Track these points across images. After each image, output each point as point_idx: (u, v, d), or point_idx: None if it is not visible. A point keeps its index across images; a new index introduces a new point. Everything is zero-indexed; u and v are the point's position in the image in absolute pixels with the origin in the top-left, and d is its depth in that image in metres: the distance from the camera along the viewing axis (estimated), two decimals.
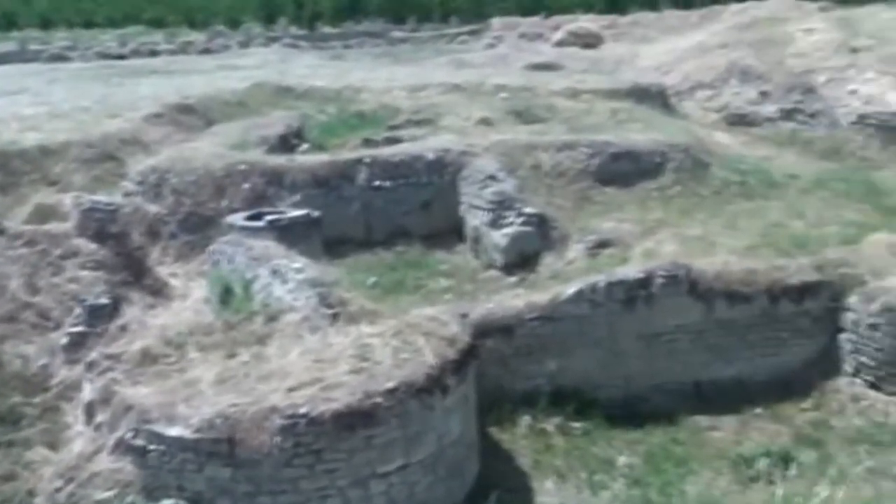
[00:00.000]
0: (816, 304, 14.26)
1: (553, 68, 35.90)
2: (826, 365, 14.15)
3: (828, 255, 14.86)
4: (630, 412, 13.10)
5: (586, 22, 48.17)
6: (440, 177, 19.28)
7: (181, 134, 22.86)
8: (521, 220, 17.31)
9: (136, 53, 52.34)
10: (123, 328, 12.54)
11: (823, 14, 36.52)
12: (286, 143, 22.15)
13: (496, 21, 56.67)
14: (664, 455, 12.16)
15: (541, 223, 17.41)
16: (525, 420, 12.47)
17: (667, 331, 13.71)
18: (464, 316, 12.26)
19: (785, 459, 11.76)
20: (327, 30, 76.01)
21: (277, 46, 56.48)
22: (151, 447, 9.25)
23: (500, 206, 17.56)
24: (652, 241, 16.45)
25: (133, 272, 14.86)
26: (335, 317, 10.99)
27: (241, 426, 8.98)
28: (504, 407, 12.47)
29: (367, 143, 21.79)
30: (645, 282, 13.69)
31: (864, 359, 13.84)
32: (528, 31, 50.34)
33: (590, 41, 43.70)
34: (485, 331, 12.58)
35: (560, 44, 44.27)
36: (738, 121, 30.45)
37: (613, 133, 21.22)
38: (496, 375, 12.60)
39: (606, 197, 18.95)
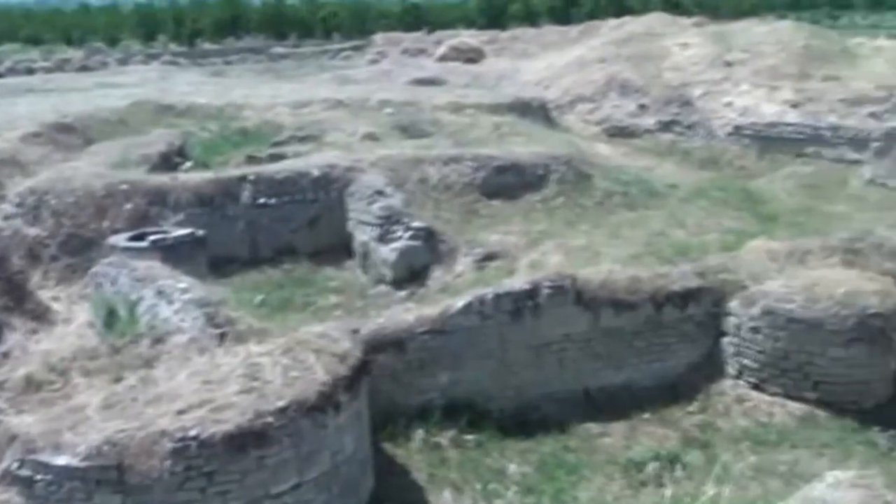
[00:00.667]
0: (699, 309, 14.60)
1: (436, 83, 36.20)
2: (710, 368, 14.50)
3: (709, 262, 15.24)
4: (522, 422, 13.20)
5: (468, 37, 48.69)
6: (326, 193, 19.22)
7: (60, 153, 22.30)
8: (409, 234, 17.36)
9: (11, 72, 50.98)
10: (5, 355, 12.14)
11: (698, 29, 37.64)
12: (168, 161, 21.81)
13: (379, 37, 56.84)
14: (556, 463, 12.28)
15: (429, 237, 17.49)
16: (419, 434, 12.45)
17: (555, 340, 13.86)
18: (354, 332, 12.18)
19: (673, 462, 12.00)
20: (207, 46, 75.29)
21: (157, 63, 55.65)
22: (38, 477, 8.94)
23: (388, 221, 17.59)
24: (538, 252, 16.66)
25: (14, 297, 14.37)
26: (223, 337, 10.83)
27: (129, 452, 8.76)
28: (398, 422, 12.43)
29: (251, 160, 21.60)
30: (532, 293, 13.82)
31: (746, 361, 14.24)
32: (410, 46, 50.61)
33: (472, 56, 44.17)
34: (376, 346, 12.52)
35: (443, 59, 44.66)
36: (619, 133, 31.18)
37: (497, 147, 21.49)
38: (389, 390, 12.56)
39: (492, 210, 19.15)
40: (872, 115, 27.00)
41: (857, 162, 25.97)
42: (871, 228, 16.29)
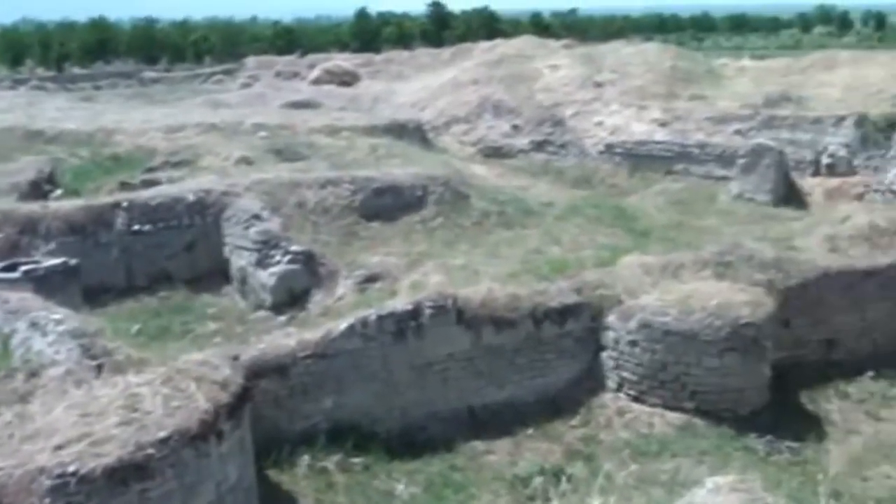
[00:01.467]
0: (578, 324, 14.87)
1: (311, 106, 36.04)
2: (591, 382, 14.77)
3: (586, 278, 15.53)
4: (408, 442, 13.21)
5: (342, 60, 48.67)
6: (202, 218, 18.94)
7: None
8: (287, 258, 17.24)
9: None
10: None
11: (568, 51, 38.45)
12: (38, 189, 21.16)
13: (251, 60, 56.31)
14: (443, 482, 12.32)
15: (308, 260, 17.39)
16: (304, 460, 12.32)
17: (438, 360, 13.93)
18: (235, 358, 12.00)
19: (558, 475, 12.17)
20: (76, 71, 73.52)
21: (24, 89, 53.95)
22: None
23: (266, 246, 17.43)
24: (418, 273, 16.73)
25: None
26: (100, 368, 10.53)
27: (7, 490, 8.43)
28: (282, 448, 12.29)
29: (124, 186, 21.14)
30: (414, 313, 13.87)
31: (626, 374, 14.56)
32: (284, 69, 50.30)
33: (346, 79, 44.17)
34: (258, 372, 12.37)
35: (317, 82, 44.50)
36: (494, 153, 31.58)
37: (375, 168, 21.53)
38: (272, 417, 12.42)
39: (372, 231, 19.16)
40: (738, 132, 27.98)
41: (724, 178, 26.86)
42: (740, 241, 16.84)
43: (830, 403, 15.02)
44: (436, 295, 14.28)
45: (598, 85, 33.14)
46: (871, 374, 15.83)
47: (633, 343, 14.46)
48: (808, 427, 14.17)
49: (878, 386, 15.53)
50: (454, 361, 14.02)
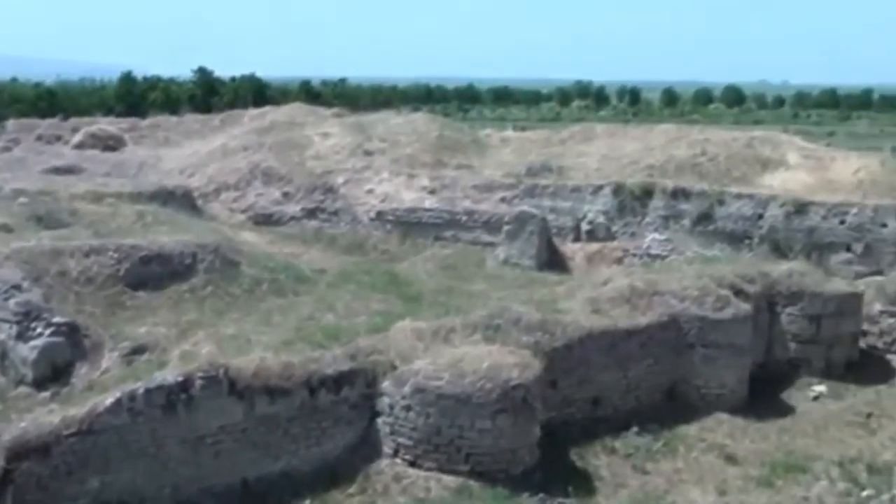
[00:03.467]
0: (353, 391, 14.91)
1: (74, 171, 34.74)
2: (368, 449, 14.80)
3: (360, 344, 15.60)
4: None
5: (107, 124, 47.13)
6: None
7: None
8: (49, 330, 16.41)
9: None
10: None
11: (338, 119, 38.81)
12: None
13: (11, 123, 53.58)
14: None
15: (71, 332, 16.63)
16: None
17: (211, 432, 13.61)
18: None
19: None
20: None
21: None
22: None
23: (27, 318, 16.55)
24: (188, 343, 16.30)
25: None
26: None
27: None
28: None
29: None
30: (184, 385, 13.52)
31: (401, 439, 14.67)
32: (45, 133, 48.12)
33: (111, 144, 42.78)
34: (19, 453, 11.72)
35: (80, 146, 42.86)
36: (265, 220, 31.34)
37: (142, 236, 20.89)
38: (35, 500, 11.76)
39: (139, 301, 18.54)
40: (503, 200, 28.97)
41: (491, 244, 27.72)
42: (507, 305, 17.38)
43: (599, 459, 15.67)
44: (207, 365, 13.98)
45: (369, 153, 33.58)
46: (635, 429, 16.66)
47: (408, 408, 14.61)
48: (579, 483, 14.71)
49: (642, 440, 16.34)
50: (227, 434, 13.75)
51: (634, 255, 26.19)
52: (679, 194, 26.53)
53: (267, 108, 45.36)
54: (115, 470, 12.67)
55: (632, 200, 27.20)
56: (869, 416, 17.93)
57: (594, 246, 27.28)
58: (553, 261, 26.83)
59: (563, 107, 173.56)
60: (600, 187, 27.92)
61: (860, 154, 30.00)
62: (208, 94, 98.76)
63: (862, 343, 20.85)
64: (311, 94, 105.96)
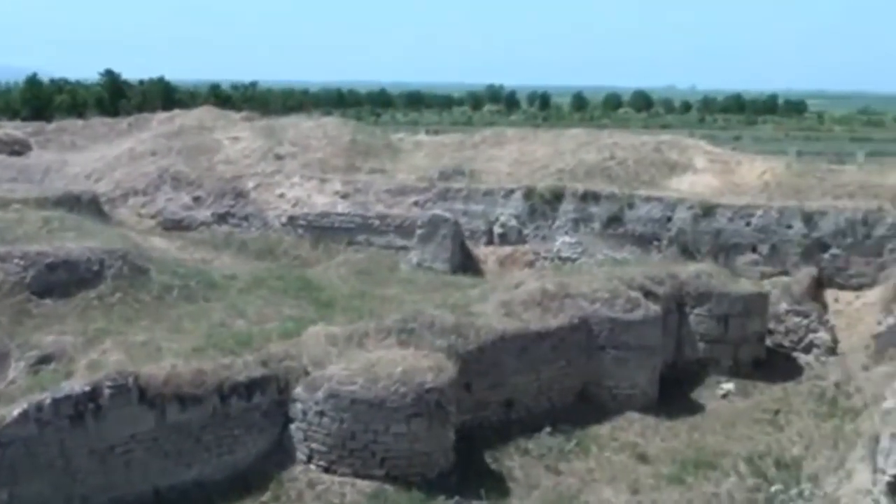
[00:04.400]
0: (265, 398, 14.83)
1: None
2: (281, 456, 14.74)
3: (272, 350, 15.53)
4: None
5: (11, 128, 45.97)
6: None
7: None
8: None
9: None
10: None
11: (248, 123, 38.43)
12: None
13: None
14: None
15: None
16: None
17: (121, 442, 13.41)
18: None
19: None
20: None
21: None
22: None
23: None
24: (97, 351, 16.04)
25: None
26: None
27: None
28: None
29: None
30: (93, 394, 13.30)
31: (315, 445, 14.63)
32: None
33: (16, 148, 41.75)
34: None
35: None
36: (174, 226, 30.93)
37: (47, 243, 20.44)
38: None
39: (46, 309, 18.15)
40: (416, 203, 29.01)
41: (404, 248, 27.76)
42: (421, 309, 17.45)
43: (512, 461, 15.82)
44: (116, 374, 13.79)
45: (280, 157, 33.35)
46: (548, 430, 16.87)
47: (322, 413, 14.56)
48: (493, 485, 14.84)
49: (555, 441, 16.55)
50: (138, 443, 13.57)
51: (546, 257, 26.51)
52: (589, 198, 26.87)
53: (176, 112, 44.70)
54: (24, 482, 12.42)
55: (542, 204, 27.48)
56: (776, 412, 18.42)
57: (506, 249, 27.50)
58: (466, 264, 27.00)
59: (474, 111, 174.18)
60: (512, 191, 28.14)
61: (765, 157, 30.73)
62: (116, 98, 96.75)
63: (769, 342, 21.43)
64: (221, 97, 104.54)
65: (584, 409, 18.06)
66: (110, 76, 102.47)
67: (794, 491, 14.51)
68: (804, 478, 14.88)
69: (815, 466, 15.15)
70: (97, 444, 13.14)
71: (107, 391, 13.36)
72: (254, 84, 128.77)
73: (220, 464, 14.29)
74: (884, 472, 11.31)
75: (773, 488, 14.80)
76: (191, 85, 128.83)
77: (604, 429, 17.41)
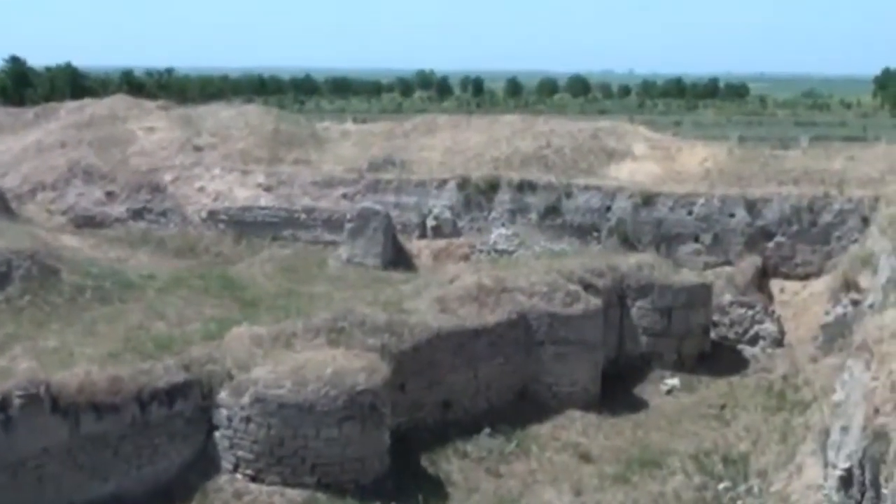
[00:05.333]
0: (188, 404, 14.65)
1: None
2: (206, 465, 14.58)
3: (193, 354, 15.37)
4: None
5: None
6: None
7: None
8: None
9: None
10: None
11: (164, 112, 37.95)
12: None
13: None
14: None
15: None
16: None
17: (32, 455, 13.16)
18: None
19: None
20: None
21: None
22: None
23: None
24: (5, 358, 15.82)
25: None
26: None
27: None
28: None
29: None
30: (1, 404, 13.04)
31: (241, 453, 14.50)
32: None
33: None
34: None
35: None
36: (86, 222, 30.49)
37: None
38: None
39: None
40: (344, 196, 28.93)
41: (332, 243, 27.68)
42: (352, 307, 17.39)
43: (451, 464, 15.86)
44: (26, 382, 13.52)
45: (198, 149, 33.01)
46: (487, 431, 16.94)
47: (247, 419, 14.45)
48: (431, 489, 14.87)
49: (494, 443, 16.61)
50: (51, 456, 13.33)
51: (481, 250, 26.58)
52: (525, 187, 27.02)
53: (86, 101, 43.97)
54: None
55: (477, 194, 27.57)
56: (722, 407, 18.71)
57: (440, 242, 27.54)
58: (398, 259, 26.98)
59: (404, 98, 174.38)
60: (445, 182, 28.19)
61: (706, 143, 31.17)
62: (20, 86, 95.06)
63: (713, 334, 21.73)
64: (134, 85, 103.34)
65: (523, 408, 18.15)
66: (15, 63, 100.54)
67: (742, 488, 14.74)
68: (752, 474, 15.12)
69: (764, 462, 15.39)
70: (7, 458, 12.88)
71: (16, 401, 13.10)
72: (169, 70, 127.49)
73: (140, 476, 14.10)
74: (835, 467, 11.50)
75: (720, 486, 15.03)
76: (101, 71, 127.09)
77: (544, 428, 17.53)
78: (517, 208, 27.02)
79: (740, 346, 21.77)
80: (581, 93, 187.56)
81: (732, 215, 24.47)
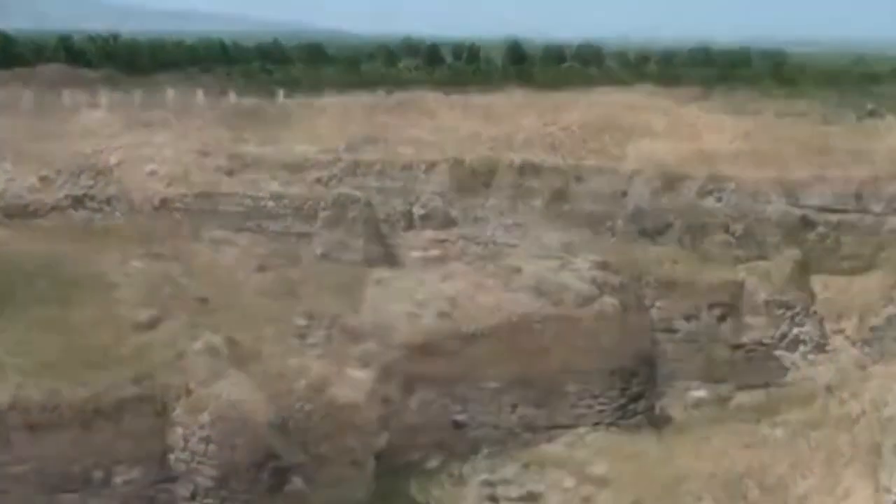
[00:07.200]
0: (138, 423, 14.59)
1: None
2: (159, 494, 14.54)
3: (146, 365, 15.31)
4: None
5: None
6: None
7: None
8: None
9: None
10: None
11: (109, 85, 37.93)
12: None
13: None
14: None
15: None
16: None
17: None
18: None
19: None
20: None
21: None
22: None
23: None
24: None
25: None
26: None
27: None
28: None
29: None
30: None
31: (200, 479, 14.44)
32: None
33: None
34: None
35: None
36: (18, 212, 30.39)
37: None
38: None
39: None
40: (318, 181, 28.85)
41: (305, 235, 27.49)
42: (330, 311, 17.33)
43: (443, 489, 15.77)
44: None
45: (149, 126, 32.96)
46: (485, 452, 16.87)
47: (207, 440, 14.42)
48: None
49: (495, 464, 16.53)
50: None
51: (478, 244, 26.46)
52: (528, 171, 26.99)
53: (16, 71, 43.98)
54: None
55: (472, 179, 27.50)
56: (757, 423, 18.69)
57: (430, 234, 27.43)
58: (381, 254, 26.83)
59: (388, 67, 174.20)
60: (435, 164, 28.13)
61: (738, 119, 31.05)
62: None
63: (746, 339, 21.73)
64: (74, 52, 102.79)
65: (530, 423, 18.07)
66: None
67: None
68: (792, 500, 15.08)
69: (806, 487, 15.37)
70: None
71: None
72: (115, 36, 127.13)
73: None
74: (889, 491, 11.42)
75: None
76: (35, 36, 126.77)
77: (554, 447, 17.49)
78: (519, 195, 27.00)
79: (777, 352, 21.78)
80: (593, 62, 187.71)
81: (768, 202, 24.47)
